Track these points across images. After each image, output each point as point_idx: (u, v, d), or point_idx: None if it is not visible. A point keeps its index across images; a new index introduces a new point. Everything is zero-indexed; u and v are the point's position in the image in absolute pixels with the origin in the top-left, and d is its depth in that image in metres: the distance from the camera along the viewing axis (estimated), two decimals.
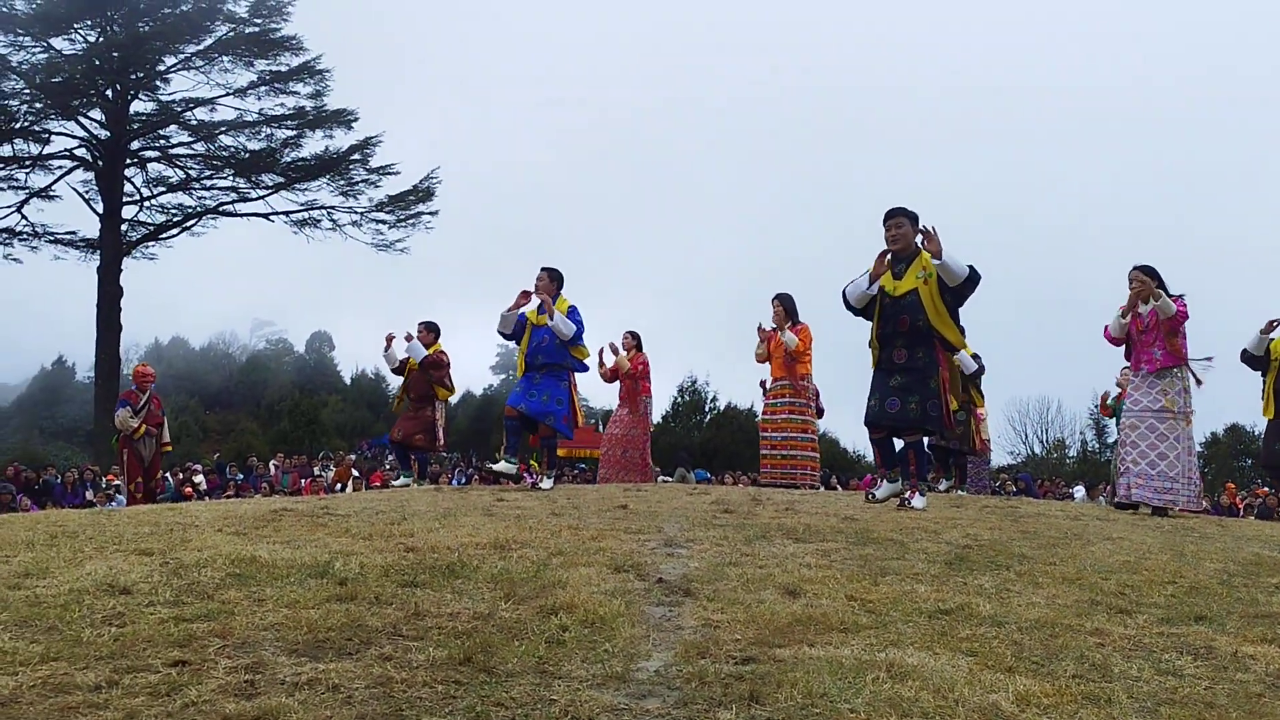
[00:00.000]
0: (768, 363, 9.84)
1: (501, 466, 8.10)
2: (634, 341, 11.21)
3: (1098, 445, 38.23)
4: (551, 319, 7.84)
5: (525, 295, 8.02)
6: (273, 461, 23.01)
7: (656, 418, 38.28)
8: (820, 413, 10.23)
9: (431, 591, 3.33)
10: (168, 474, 17.20)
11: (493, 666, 2.53)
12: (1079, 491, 20.17)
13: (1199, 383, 7.21)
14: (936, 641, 2.86)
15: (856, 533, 4.85)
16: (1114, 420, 10.36)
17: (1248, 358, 8.45)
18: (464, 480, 19.45)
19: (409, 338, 9.94)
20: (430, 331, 10.05)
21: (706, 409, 39.93)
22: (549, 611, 3.04)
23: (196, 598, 3.19)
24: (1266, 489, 16.85)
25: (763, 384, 10.15)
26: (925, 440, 6.63)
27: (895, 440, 6.46)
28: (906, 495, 6.28)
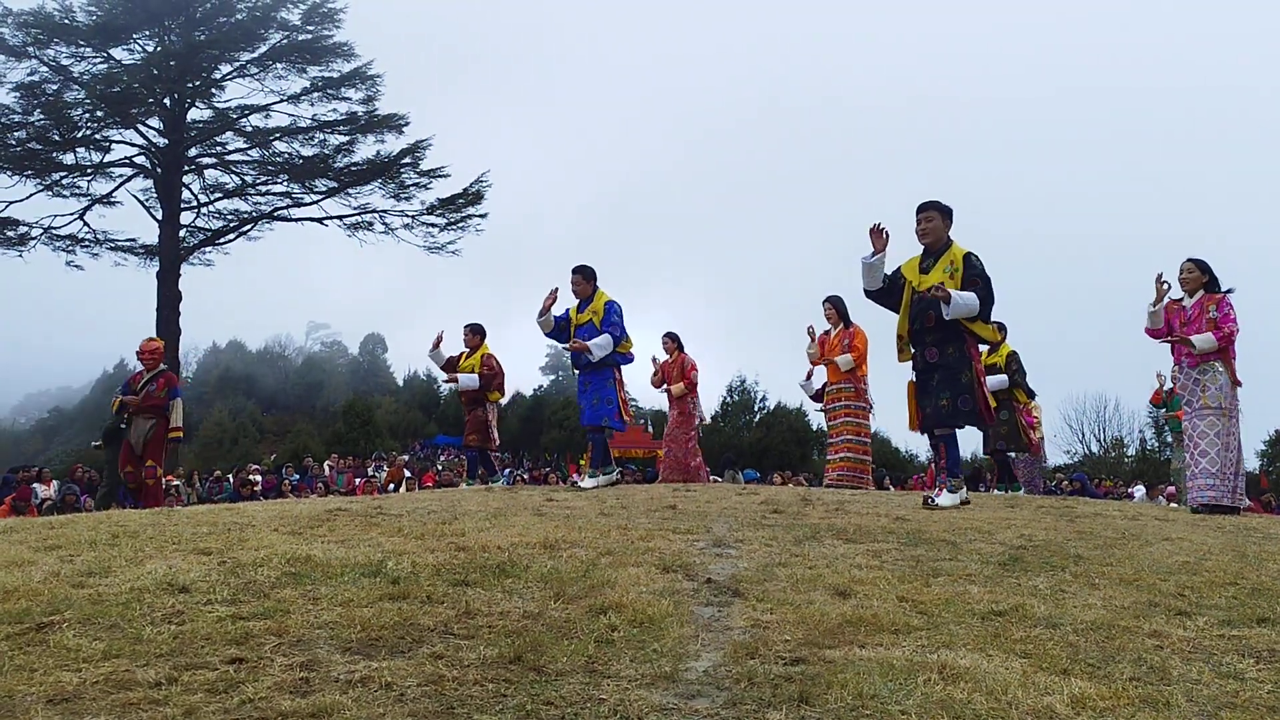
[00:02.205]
0: (821, 365, 9.80)
1: (597, 481, 8.00)
2: (675, 344, 11.27)
3: (1156, 444, 37.47)
4: (590, 354, 7.90)
5: (552, 297, 8.07)
6: (327, 462, 23.37)
7: (705, 417, 38.41)
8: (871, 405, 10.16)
9: (482, 590, 3.36)
10: (228, 472, 17.54)
11: (542, 665, 2.54)
12: (1138, 491, 19.79)
13: (1236, 383, 7.06)
14: (990, 643, 2.82)
15: (908, 533, 4.81)
16: (1162, 409, 10.15)
17: None
18: (511, 480, 19.57)
19: (438, 343, 9.95)
20: (476, 334, 10.09)
21: (756, 409, 39.84)
22: (598, 611, 3.05)
23: (253, 596, 3.25)
24: None
25: (810, 382, 10.13)
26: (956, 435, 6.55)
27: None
28: (934, 493, 6.23)
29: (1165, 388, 11.39)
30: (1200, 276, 7.15)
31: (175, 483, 15.23)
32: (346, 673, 2.46)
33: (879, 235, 6.24)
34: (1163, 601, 3.44)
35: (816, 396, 10.19)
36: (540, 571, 3.64)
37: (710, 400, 41.17)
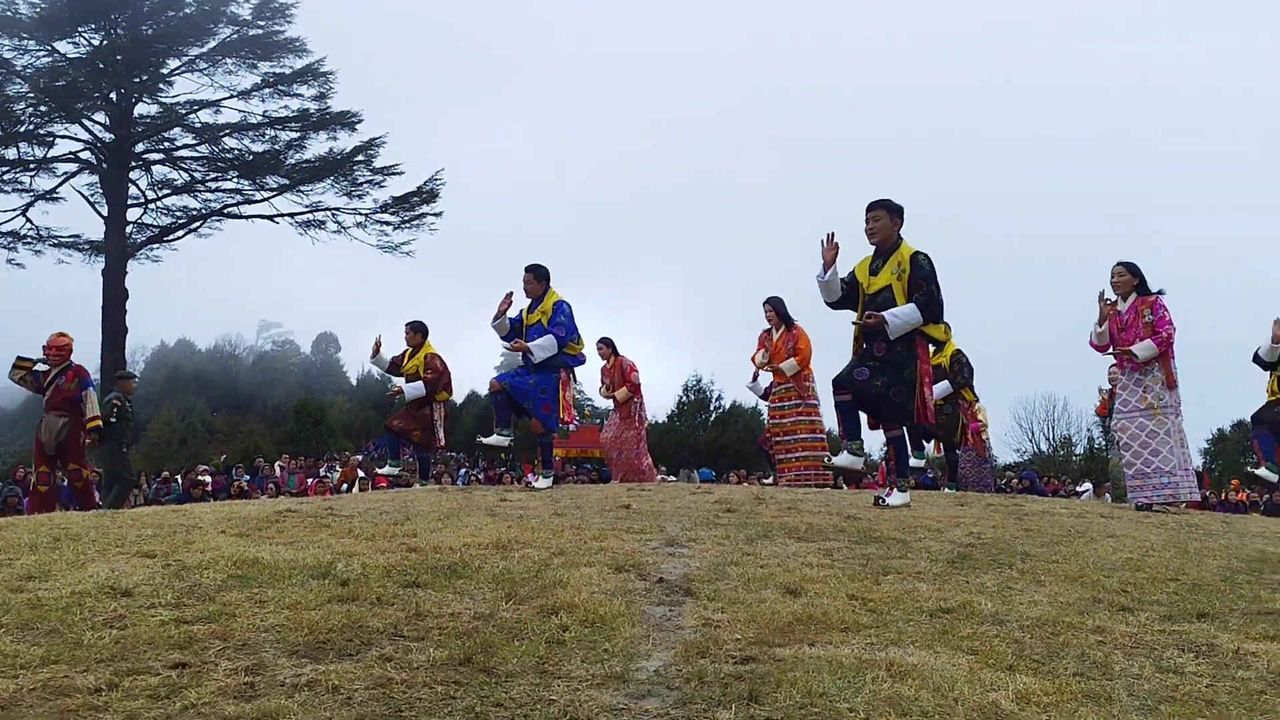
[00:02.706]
0: (768, 369, 9.89)
1: (492, 439, 8.06)
2: (609, 349, 11.29)
3: (1104, 442, 38.18)
4: (533, 355, 7.82)
5: (507, 301, 8.03)
6: (278, 463, 23.05)
7: (661, 417, 38.41)
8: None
9: (433, 592, 3.34)
10: (171, 474, 17.24)
11: (493, 667, 2.53)
12: (1085, 489, 20.14)
13: (1171, 386, 7.24)
14: (937, 640, 2.85)
15: (859, 532, 4.85)
16: (1108, 419, 10.41)
17: (1259, 360, 8.44)
18: (466, 480, 19.46)
19: (377, 348, 9.77)
20: (417, 332, 9.85)
21: (712, 408, 39.92)
22: (550, 611, 3.04)
23: (198, 599, 3.19)
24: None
25: (759, 380, 10.23)
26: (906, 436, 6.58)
27: (860, 412, 6.36)
28: (885, 492, 6.27)
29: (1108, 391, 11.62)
30: (1131, 279, 7.37)
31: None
32: (293, 676, 2.43)
33: (828, 247, 6.22)
34: (1106, 597, 3.50)
35: (766, 395, 10.27)
36: (492, 572, 3.62)
37: (667, 400, 41.26)
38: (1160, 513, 6.83)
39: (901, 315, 6.03)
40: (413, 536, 4.44)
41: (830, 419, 10.30)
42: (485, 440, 8.09)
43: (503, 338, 8.19)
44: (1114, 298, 7.43)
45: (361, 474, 19.16)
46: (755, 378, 10.37)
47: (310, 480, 18.86)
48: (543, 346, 7.84)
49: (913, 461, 9.29)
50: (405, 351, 9.91)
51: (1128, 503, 7.65)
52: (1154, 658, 2.76)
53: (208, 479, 18.60)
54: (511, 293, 8.05)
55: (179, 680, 2.40)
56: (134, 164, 25.64)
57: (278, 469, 21.65)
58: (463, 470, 22.58)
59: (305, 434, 34.96)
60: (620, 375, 11.14)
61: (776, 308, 9.76)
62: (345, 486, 17.20)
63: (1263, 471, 8.46)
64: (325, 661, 2.56)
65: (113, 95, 25.02)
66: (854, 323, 6.29)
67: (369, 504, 6.11)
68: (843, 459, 6.26)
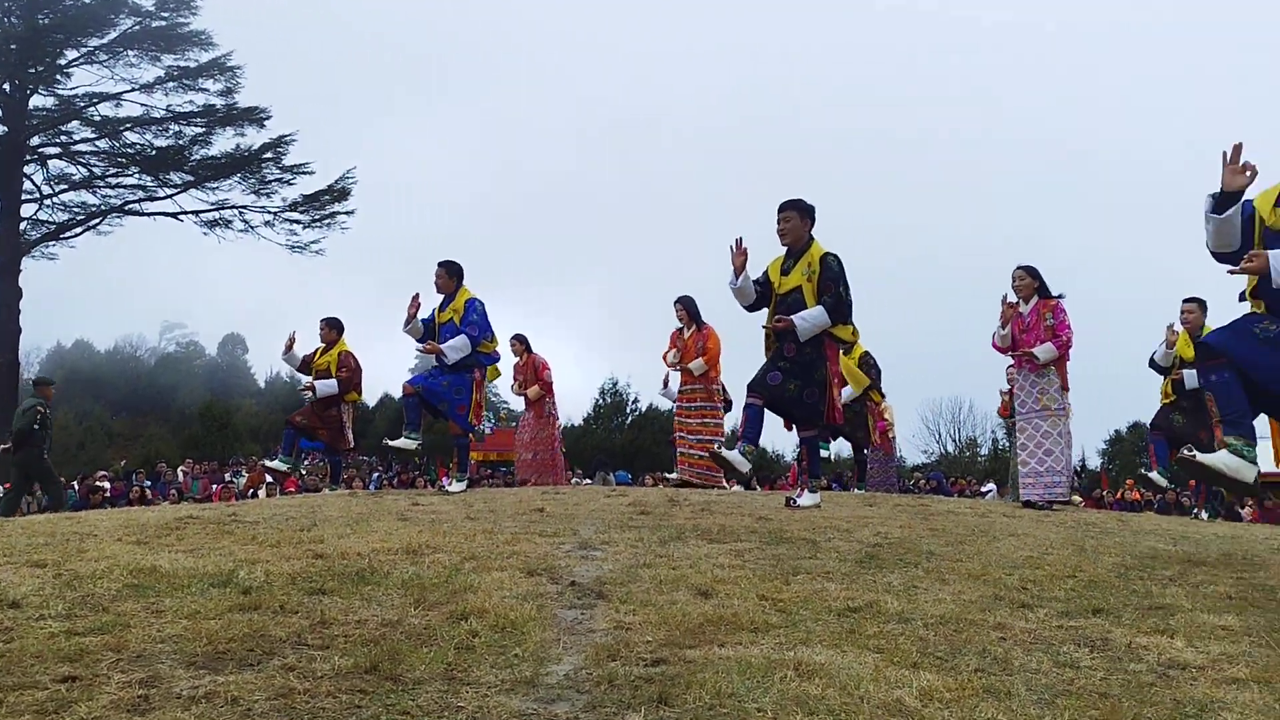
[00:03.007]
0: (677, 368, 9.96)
1: (400, 442, 7.90)
2: (523, 346, 11.24)
3: (1008, 444, 39.34)
4: (446, 356, 7.73)
5: (415, 304, 7.91)
6: (181, 468, 22.39)
7: (578, 419, 38.40)
8: (728, 405, 10.31)
9: (339, 599, 3.27)
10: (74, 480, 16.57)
11: (399, 674, 2.49)
12: (989, 489, 20.70)
13: (1065, 389, 7.55)
14: (844, 639, 2.90)
15: (770, 533, 4.90)
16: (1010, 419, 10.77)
17: (1155, 365, 8.76)
18: (379, 485, 19.15)
19: (291, 345, 9.50)
20: (333, 329, 9.59)
21: (628, 410, 40.03)
22: (459, 617, 3.00)
23: (90, 610, 3.07)
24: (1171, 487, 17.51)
25: (670, 386, 10.33)
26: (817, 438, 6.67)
27: (765, 414, 6.37)
28: (796, 494, 6.35)
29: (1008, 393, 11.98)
30: (1032, 283, 7.66)
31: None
32: (190, 689, 2.35)
33: (737, 253, 6.26)
34: (1007, 595, 3.60)
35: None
36: (401, 578, 3.57)
37: (583, 403, 41.25)
38: (1048, 509, 7.09)
39: (809, 318, 6.10)
40: (320, 542, 4.35)
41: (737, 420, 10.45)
42: (393, 443, 7.93)
43: (418, 340, 8.06)
44: (1016, 300, 7.67)
45: (270, 479, 18.72)
46: (666, 383, 10.50)
47: (215, 485, 18.36)
48: (456, 347, 7.72)
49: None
50: (318, 349, 9.67)
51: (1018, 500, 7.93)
52: (1051, 653, 2.84)
53: (106, 485, 17.98)
54: (418, 294, 7.91)
55: (68, 694, 2.30)
56: (29, 158, 24.65)
57: (181, 474, 21.04)
58: (375, 474, 22.21)
59: (210, 438, 34.07)
60: (533, 373, 11.08)
61: (687, 306, 9.83)
62: (252, 492, 16.77)
63: (1154, 476, 8.82)
64: (224, 673, 2.49)
65: (6, 86, 24.03)
66: (764, 326, 6.35)
67: (275, 509, 5.96)
68: (733, 455, 6.26)
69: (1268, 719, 2.32)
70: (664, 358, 10.07)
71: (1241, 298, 4.20)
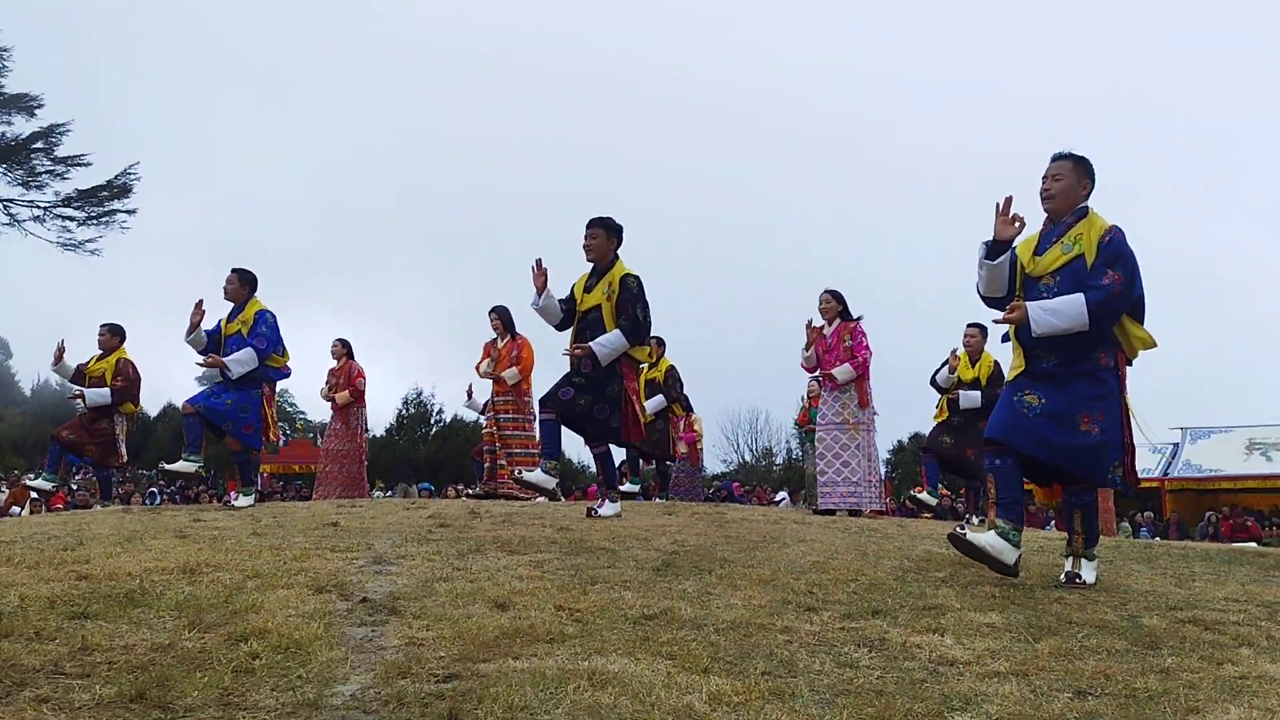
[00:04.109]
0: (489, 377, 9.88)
1: (179, 465, 7.45)
2: (344, 349, 10.89)
3: (801, 454, 41.05)
4: (230, 370, 7.35)
5: (199, 312, 7.49)
6: None
7: (379, 430, 37.35)
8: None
9: (104, 623, 3.03)
10: None
11: (169, 702, 2.33)
12: (782, 497, 21.52)
13: (864, 404, 8.06)
14: (639, 647, 2.93)
15: (570, 543, 4.91)
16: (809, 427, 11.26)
17: (936, 385, 9.32)
18: (158, 500, 17.99)
19: (60, 355, 8.78)
20: (114, 335, 8.99)
21: (433, 421, 39.30)
22: (238, 638, 2.84)
23: None
24: (948, 491, 18.74)
25: (474, 398, 10.27)
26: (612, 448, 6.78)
27: (562, 429, 6.44)
28: (596, 504, 6.41)
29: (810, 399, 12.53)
30: (836, 305, 8.22)
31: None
32: None
33: (537, 274, 6.31)
34: (794, 599, 3.74)
35: (484, 409, 10.27)
36: (175, 599, 3.35)
37: (385, 413, 40.18)
38: (841, 516, 7.48)
39: (608, 344, 6.16)
40: (85, 563, 4.03)
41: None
42: (170, 467, 7.45)
43: (200, 352, 7.59)
44: (821, 323, 8.14)
45: (35, 495, 17.24)
46: (470, 395, 10.43)
47: None
48: (240, 361, 7.30)
49: (626, 487, 9.59)
50: (95, 356, 8.96)
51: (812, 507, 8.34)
52: (834, 654, 2.97)
53: None
54: (202, 301, 7.48)
55: None
56: None
57: None
58: (152, 490, 20.84)
59: None
60: (347, 378, 10.71)
61: (502, 316, 9.80)
62: (16, 509, 15.40)
63: (924, 496, 9.40)
64: None
65: None
66: (564, 353, 6.37)
67: (36, 528, 5.50)
68: (536, 475, 6.28)
69: (1024, 708, 2.50)
70: (477, 367, 9.97)
71: (1005, 338, 4.55)
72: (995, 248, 4.37)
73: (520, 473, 6.32)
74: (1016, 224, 4.28)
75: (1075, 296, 4.12)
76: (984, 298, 4.57)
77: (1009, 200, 4.29)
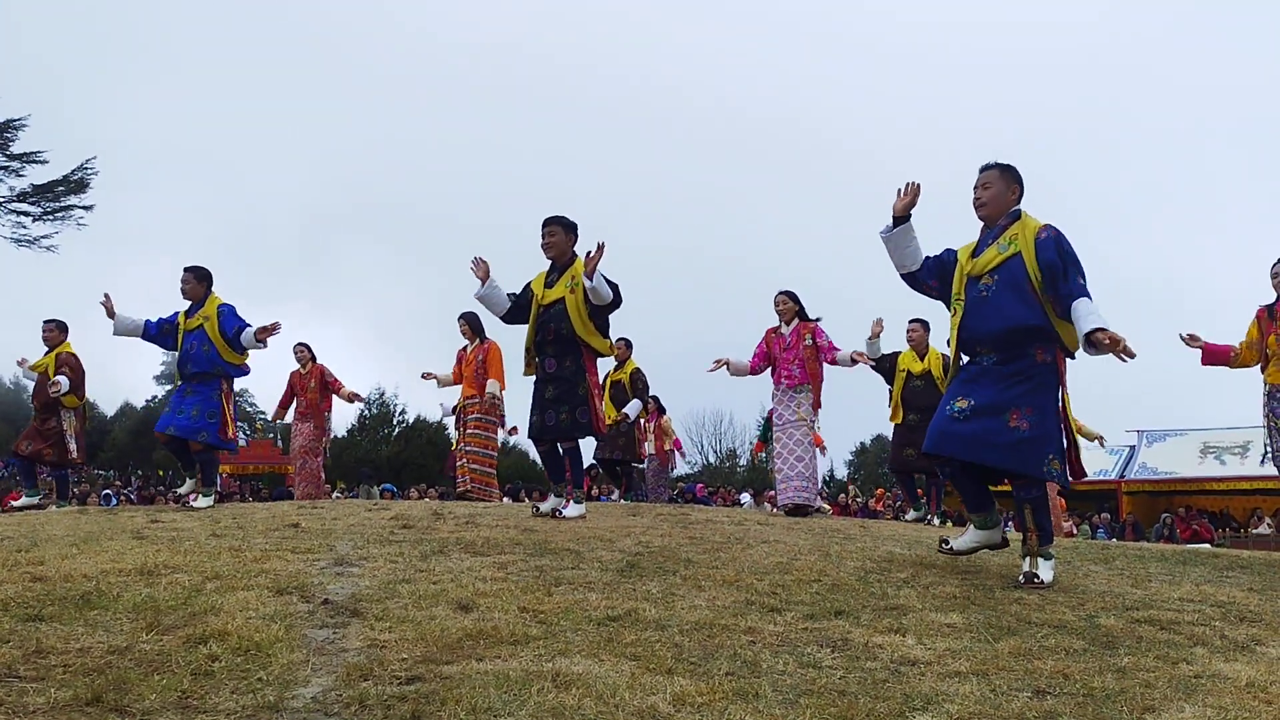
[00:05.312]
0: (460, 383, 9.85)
1: (188, 487, 7.81)
2: (308, 353, 10.85)
3: (765, 455, 41.23)
4: (277, 331, 7.36)
5: (109, 302, 7.51)
6: None
7: (341, 431, 37.00)
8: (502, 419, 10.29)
9: (60, 625, 2.98)
10: None
11: (126, 705, 2.29)
12: (746, 498, 21.60)
13: (816, 407, 8.17)
14: (603, 648, 2.92)
15: (535, 544, 4.89)
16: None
17: (875, 366, 9.28)
18: (116, 500, 17.68)
19: (110, 309, 8.66)
20: (61, 330, 8.94)
21: (395, 421, 39.00)
22: (197, 641, 2.81)
23: None
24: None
25: (446, 403, 10.25)
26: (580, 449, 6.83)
27: (559, 450, 6.58)
28: (561, 505, 6.42)
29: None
30: (793, 306, 8.30)
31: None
32: None
33: (478, 268, 6.45)
34: (758, 600, 3.75)
35: (455, 411, 10.23)
36: (133, 601, 3.30)
37: (348, 413, 39.80)
38: (807, 516, 7.54)
39: (599, 282, 6.12)
40: (39, 564, 3.95)
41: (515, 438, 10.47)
42: (183, 490, 7.85)
43: (155, 335, 7.63)
44: (779, 323, 8.22)
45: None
46: (443, 407, 10.41)
47: None
48: (213, 361, 7.49)
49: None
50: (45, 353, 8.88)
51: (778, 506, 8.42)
52: (797, 654, 2.99)
53: None
54: (109, 294, 7.50)
55: None
56: None
57: None
58: (106, 491, 20.47)
59: None
60: (319, 380, 10.81)
61: (470, 322, 9.77)
62: None
63: (911, 515, 9.23)
64: None
65: None
66: (542, 303, 6.38)
67: None
68: (571, 509, 6.34)
69: (985, 708, 2.52)
70: (429, 375, 10.02)
71: (947, 343, 4.85)
72: (895, 222, 4.75)
73: (564, 512, 6.31)
74: (908, 198, 4.71)
75: (1086, 301, 4.27)
76: (902, 275, 4.87)
77: (916, 186, 4.72)
